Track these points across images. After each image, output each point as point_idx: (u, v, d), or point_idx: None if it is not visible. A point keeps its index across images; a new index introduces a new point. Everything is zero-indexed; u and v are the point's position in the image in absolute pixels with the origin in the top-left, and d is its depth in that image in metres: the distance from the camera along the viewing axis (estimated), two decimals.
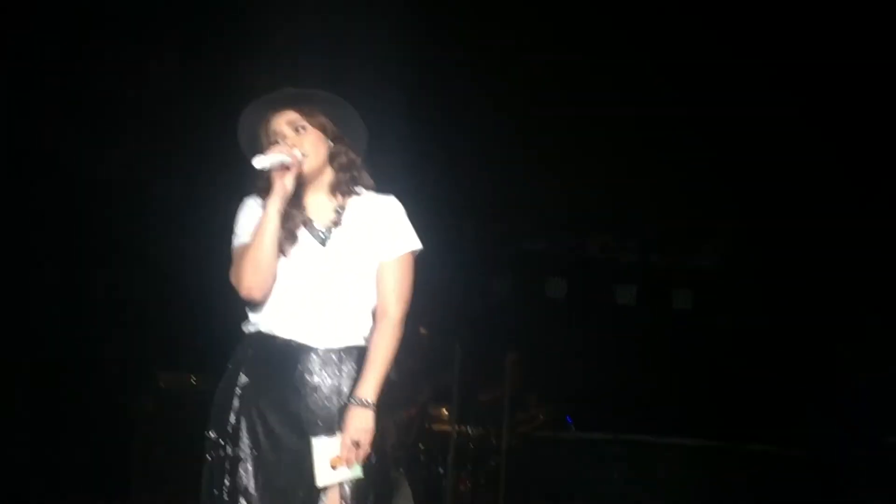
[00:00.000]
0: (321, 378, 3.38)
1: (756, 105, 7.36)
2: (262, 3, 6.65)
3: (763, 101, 7.29)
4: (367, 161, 3.56)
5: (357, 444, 3.30)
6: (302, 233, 3.43)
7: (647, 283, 9.48)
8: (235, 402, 3.37)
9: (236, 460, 3.33)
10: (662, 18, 6.82)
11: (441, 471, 7.19)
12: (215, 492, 3.34)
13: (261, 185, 3.43)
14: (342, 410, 3.35)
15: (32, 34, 6.56)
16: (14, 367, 7.07)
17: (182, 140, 7.21)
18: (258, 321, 3.43)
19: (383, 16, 6.43)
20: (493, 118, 7.67)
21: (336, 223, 3.46)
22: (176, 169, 7.40)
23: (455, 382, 7.21)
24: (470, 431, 7.47)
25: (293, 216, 3.42)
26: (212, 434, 3.39)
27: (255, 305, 3.41)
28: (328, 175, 3.49)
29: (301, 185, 3.42)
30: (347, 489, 3.33)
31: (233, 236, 3.47)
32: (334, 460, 3.29)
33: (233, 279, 3.39)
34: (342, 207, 3.49)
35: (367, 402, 3.33)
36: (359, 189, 3.52)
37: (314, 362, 3.39)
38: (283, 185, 3.33)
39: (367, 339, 3.44)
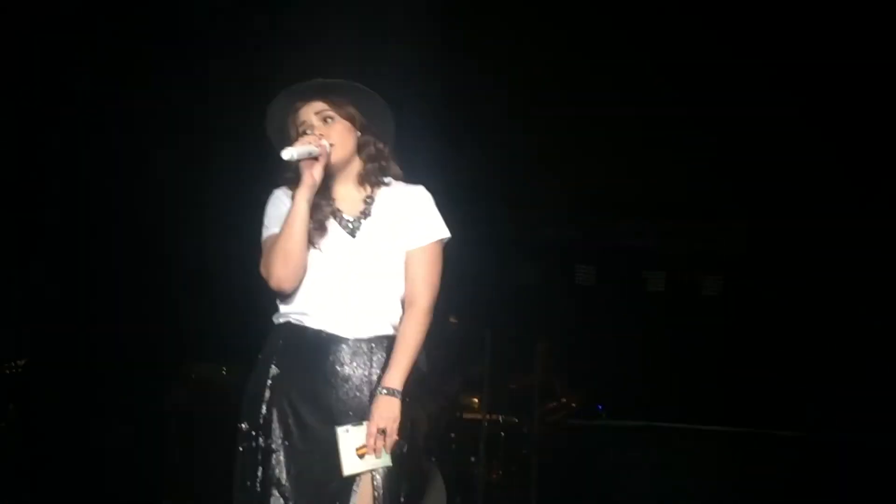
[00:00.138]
0: (351, 368, 3.39)
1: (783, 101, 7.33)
2: None
3: (785, 96, 7.26)
4: (395, 151, 3.56)
5: (383, 433, 3.31)
6: (331, 224, 3.43)
7: (676, 269, 9.45)
8: (267, 394, 3.37)
9: (268, 451, 3.33)
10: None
11: (472, 459, 7.20)
12: (248, 483, 3.35)
13: (289, 175, 3.43)
14: (373, 400, 3.36)
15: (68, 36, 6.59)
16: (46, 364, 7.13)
17: (210, 135, 7.22)
18: (288, 312, 3.43)
19: (414, 4, 6.42)
20: (523, 105, 7.65)
21: (365, 214, 3.46)
22: (206, 161, 7.41)
23: (485, 371, 7.21)
24: (501, 420, 7.46)
25: (322, 207, 3.42)
26: (244, 425, 3.39)
27: (285, 296, 3.41)
28: (356, 165, 3.49)
29: (329, 175, 3.43)
30: (379, 479, 3.34)
31: (262, 228, 3.47)
32: (361, 449, 3.30)
33: (263, 271, 3.39)
34: (371, 198, 3.49)
35: (393, 390, 3.34)
36: (387, 179, 3.52)
37: (344, 352, 3.39)
38: (312, 176, 3.33)
39: (397, 329, 3.45)
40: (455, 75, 7.24)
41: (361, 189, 3.50)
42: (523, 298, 9.22)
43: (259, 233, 3.48)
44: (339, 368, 3.38)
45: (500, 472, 7.36)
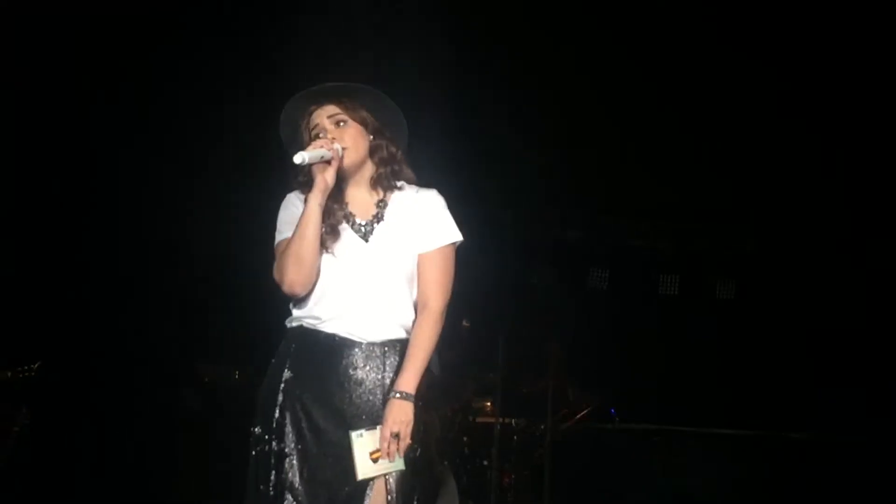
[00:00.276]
0: (365, 372, 3.39)
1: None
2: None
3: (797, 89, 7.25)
4: (407, 154, 3.56)
5: (396, 437, 3.31)
6: (344, 228, 3.43)
7: (690, 272, 9.44)
8: (280, 397, 3.37)
9: (281, 455, 3.34)
10: None
11: (485, 463, 7.18)
12: (261, 487, 3.35)
13: (302, 179, 3.43)
14: (386, 404, 3.36)
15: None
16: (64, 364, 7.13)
17: (223, 138, 7.22)
18: (301, 316, 3.43)
19: (426, 9, 6.42)
20: (534, 109, 7.64)
21: (378, 218, 3.46)
22: (223, 165, 7.42)
23: (498, 375, 7.20)
24: (514, 424, 7.45)
25: (334, 211, 3.42)
26: (257, 429, 3.40)
27: (298, 301, 3.41)
28: (369, 169, 3.50)
29: (342, 179, 3.43)
30: (392, 482, 3.34)
31: (275, 232, 3.47)
32: (374, 453, 3.30)
33: (275, 275, 3.39)
34: (383, 202, 3.49)
35: (406, 394, 3.33)
36: (400, 183, 3.52)
37: (357, 356, 3.39)
38: (324, 180, 3.33)
39: (410, 332, 3.45)
40: (470, 79, 7.24)
41: (374, 193, 3.50)
42: (536, 302, 9.21)
43: (272, 237, 3.49)
44: (352, 372, 3.38)
45: (513, 476, 7.35)
